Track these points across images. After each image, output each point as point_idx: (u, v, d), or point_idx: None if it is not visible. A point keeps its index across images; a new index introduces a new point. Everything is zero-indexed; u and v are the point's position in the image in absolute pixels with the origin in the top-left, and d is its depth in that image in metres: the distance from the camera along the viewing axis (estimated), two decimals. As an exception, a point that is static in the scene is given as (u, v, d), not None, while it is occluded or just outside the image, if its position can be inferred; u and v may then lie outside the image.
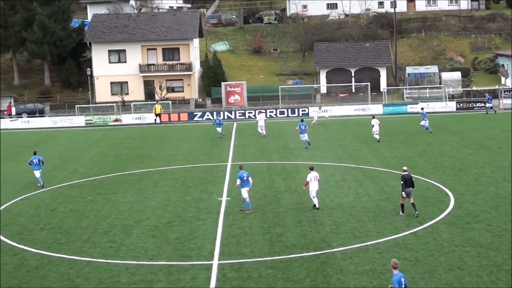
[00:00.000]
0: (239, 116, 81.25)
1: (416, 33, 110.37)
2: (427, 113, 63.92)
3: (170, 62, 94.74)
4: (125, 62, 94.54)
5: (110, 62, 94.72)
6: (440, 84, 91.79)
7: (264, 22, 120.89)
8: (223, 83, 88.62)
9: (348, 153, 51.53)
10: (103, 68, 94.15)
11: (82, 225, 33.18)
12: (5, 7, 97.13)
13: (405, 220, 31.59)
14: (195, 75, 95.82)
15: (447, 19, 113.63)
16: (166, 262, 27.07)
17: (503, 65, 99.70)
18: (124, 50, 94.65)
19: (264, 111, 77.39)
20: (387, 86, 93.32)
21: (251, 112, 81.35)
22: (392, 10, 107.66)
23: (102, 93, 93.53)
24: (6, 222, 34.15)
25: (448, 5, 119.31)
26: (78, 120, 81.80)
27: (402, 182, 32.39)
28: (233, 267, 26.18)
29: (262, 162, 49.19)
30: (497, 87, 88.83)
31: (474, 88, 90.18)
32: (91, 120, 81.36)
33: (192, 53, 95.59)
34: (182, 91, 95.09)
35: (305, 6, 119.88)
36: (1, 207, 37.56)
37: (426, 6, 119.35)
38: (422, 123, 61.81)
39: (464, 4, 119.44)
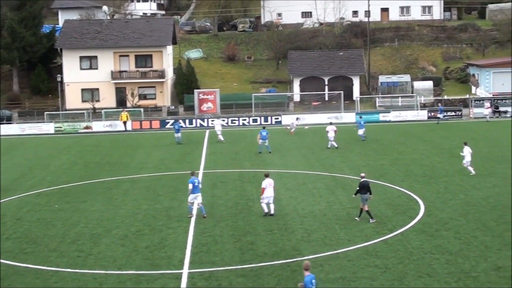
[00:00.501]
0: (212, 123, 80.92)
1: (389, 42, 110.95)
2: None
3: (143, 69, 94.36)
4: (97, 68, 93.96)
5: (81, 69, 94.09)
6: (412, 93, 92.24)
7: (239, 29, 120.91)
8: (196, 91, 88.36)
9: (320, 161, 51.55)
10: (74, 74, 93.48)
11: (49, 234, 32.76)
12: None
13: (376, 228, 31.62)
14: (168, 82, 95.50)
15: (420, 28, 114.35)
16: (136, 272, 26.81)
17: (473, 75, 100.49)
18: (96, 57, 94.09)
19: (222, 117, 76.92)
20: (360, 95, 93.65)
21: (224, 120, 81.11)
22: (366, 19, 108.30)
23: (73, 100, 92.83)
24: (-27, 231, 33.69)
25: (421, 15, 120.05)
26: (47, 127, 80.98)
27: (357, 188, 33.08)
28: (203, 276, 26.00)
29: (234, 170, 49.06)
30: (467, 96, 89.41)
31: (446, 97, 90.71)
32: (61, 127, 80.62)
33: (165, 60, 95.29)
34: (155, 98, 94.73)
35: (279, 14, 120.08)
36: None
37: (400, 15, 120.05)
38: (360, 132, 62.89)
39: (437, 14, 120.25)
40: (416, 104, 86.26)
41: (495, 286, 24.06)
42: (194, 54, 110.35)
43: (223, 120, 75.40)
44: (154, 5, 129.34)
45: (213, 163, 53.06)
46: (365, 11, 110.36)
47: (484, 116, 77.41)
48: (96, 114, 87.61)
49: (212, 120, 72.31)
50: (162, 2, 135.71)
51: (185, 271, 26.57)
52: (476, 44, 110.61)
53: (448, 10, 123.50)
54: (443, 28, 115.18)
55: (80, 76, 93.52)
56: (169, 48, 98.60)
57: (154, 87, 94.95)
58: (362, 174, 33.96)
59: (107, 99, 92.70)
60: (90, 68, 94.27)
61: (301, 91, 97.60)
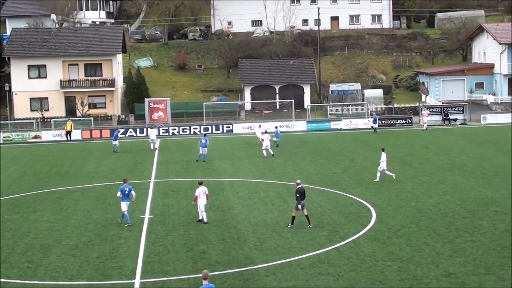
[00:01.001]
0: (163, 133, 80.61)
1: (339, 50, 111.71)
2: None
3: (92, 78, 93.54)
4: (46, 77, 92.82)
5: (29, 78, 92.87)
6: (362, 101, 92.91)
7: (189, 38, 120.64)
8: (146, 100, 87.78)
9: (272, 170, 51.59)
10: (22, 83, 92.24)
11: (-1, 244, 32.28)
12: None
13: (328, 236, 31.72)
14: (118, 91, 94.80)
15: (370, 37, 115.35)
16: (87, 282, 26.52)
17: (423, 83, 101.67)
18: (45, 65, 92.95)
19: (155, 126, 76.47)
20: (311, 103, 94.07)
21: (175, 129, 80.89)
22: (316, 28, 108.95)
23: (21, 109, 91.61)
24: None
25: (371, 23, 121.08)
26: (-5, 137, 79.79)
27: (297, 195, 33.23)
28: (156, 286, 25.82)
29: (186, 179, 48.87)
30: (417, 104, 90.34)
31: (396, 105, 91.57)
32: (9, 136, 79.32)
33: (115, 69, 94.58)
34: (105, 107, 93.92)
35: (230, 23, 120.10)
36: None
37: (349, 24, 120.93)
38: (274, 139, 63.57)
39: (386, 23, 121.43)
40: (367, 112, 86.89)
41: (446, 292, 24.31)
42: (144, 62, 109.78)
43: (157, 128, 74.35)
44: (103, 14, 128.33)
45: (165, 172, 52.79)
46: (315, 19, 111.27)
47: (422, 124, 77.36)
48: (45, 123, 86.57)
49: (152, 128, 71.76)
50: (111, 10, 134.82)
51: (137, 281, 26.34)
52: (425, 52, 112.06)
53: (397, 18, 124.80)
54: (392, 36, 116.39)
55: (29, 85, 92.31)
56: (119, 57, 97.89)
57: (104, 96, 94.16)
58: (298, 181, 34.44)
59: (56, 108, 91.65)
60: (39, 77, 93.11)
61: (252, 99, 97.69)
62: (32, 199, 43.53)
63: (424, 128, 76.00)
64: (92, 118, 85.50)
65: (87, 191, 45.35)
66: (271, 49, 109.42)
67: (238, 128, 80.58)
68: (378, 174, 45.95)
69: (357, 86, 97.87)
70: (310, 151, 61.70)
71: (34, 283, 26.53)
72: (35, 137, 79.54)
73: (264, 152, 58.36)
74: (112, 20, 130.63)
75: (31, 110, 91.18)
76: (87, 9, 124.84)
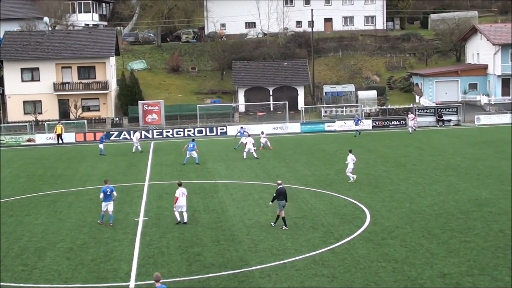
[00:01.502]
0: (157, 135, 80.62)
1: (333, 52, 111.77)
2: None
3: (86, 81, 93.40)
4: (39, 80, 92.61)
5: (23, 81, 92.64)
6: (356, 102, 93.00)
7: (182, 40, 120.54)
8: (140, 102, 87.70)
9: (266, 171, 51.60)
10: (15, 86, 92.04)
11: (-7, 248, 32.22)
12: None
13: (323, 237, 31.74)
14: (111, 94, 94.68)
15: (363, 38, 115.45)
16: (81, 285, 26.49)
17: (417, 84, 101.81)
18: (38, 68, 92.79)
19: (139, 130, 76.11)
20: (305, 105, 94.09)
21: (169, 131, 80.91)
22: (309, 30, 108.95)
23: (15, 112, 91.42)
24: None
25: (364, 25, 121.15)
26: (-11, 140, 79.61)
27: (274, 194, 33.87)
28: (150, 288, 25.82)
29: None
30: (411, 105, 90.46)
31: (390, 107, 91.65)
32: (3, 140, 79.09)
33: (109, 72, 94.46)
34: (98, 110, 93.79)
35: (223, 25, 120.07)
36: None
37: (343, 25, 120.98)
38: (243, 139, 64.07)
39: (380, 24, 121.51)
40: (361, 114, 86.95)
41: (441, 292, 24.35)
42: (137, 65, 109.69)
43: (140, 132, 73.84)
44: (96, 16, 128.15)
45: (159, 174, 52.76)
46: (309, 21, 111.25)
47: (410, 127, 75.81)
48: (38, 126, 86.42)
49: (135, 132, 71.46)
50: (104, 13, 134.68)
51: (131, 284, 26.32)
52: (419, 53, 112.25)
53: (391, 20, 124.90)
54: (386, 38, 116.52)
55: (22, 88, 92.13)
56: (112, 59, 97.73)
57: (97, 98, 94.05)
58: (279, 181, 34.89)
59: (50, 111, 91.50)
60: (32, 80, 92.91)
61: (246, 101, 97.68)
62: (26, 202, 43.44)
63: (410, 131, 74.77)
64: (85, 121, 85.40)
65: (82, 194, 45.28)
66: (264, 51, 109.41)
67: (232, 130, 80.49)
68: (350, 175, 46.26)
69: (351, 87, 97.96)
70: (304, 153, 61.72)
71: (29, 286, 26.50)
72: (29, 140, 79.38)
73: (245, 154, 58.69)
74: (105, 23, 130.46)
75: (25, 113, 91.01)
76: (80, 12, 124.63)
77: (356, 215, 36.15)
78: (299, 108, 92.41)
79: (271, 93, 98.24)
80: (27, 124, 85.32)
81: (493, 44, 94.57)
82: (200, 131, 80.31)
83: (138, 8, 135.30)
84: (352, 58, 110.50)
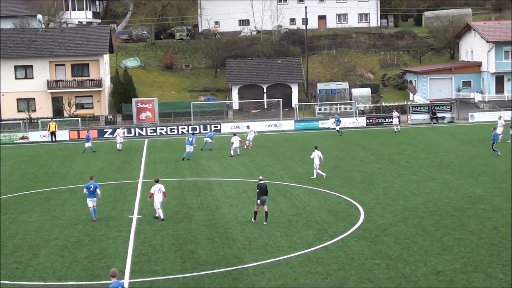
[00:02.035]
0: (151, 132, 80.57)
1: (327, 49, 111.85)
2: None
3: (79, 78, 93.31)
4: (32, 78, 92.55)
5: (16, 78, 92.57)
6: (350, 100, 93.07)
7: (176, 38, 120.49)
8: (134, 100, 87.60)
9: (260, 169, 51.56)
10: (9, 84, 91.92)
11: (-14, 246, 32.15)
12: None
13: (317, 235, 31.74)
14: (105, 92, 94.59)
15: (357, 36, 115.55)
16: (76, 282, 26.45)
17: (411, 82, 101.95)
18: (31, 66, 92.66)
19: (122, 126, 75.20)
20: (299, 102, 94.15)
21: (163, 129, 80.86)
22: (303, 27, 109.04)
23: (8, 110, 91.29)
24: None
25: (358, 22, 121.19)
26: (-17, 138, 79.38)
27: (257, 190, 34.15)
28: (144, 286, 25.78)
29: (174, 179, 48.80)
30: (405, 102, 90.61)
31: (384, 104, 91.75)
32: (-3, 137, 79.18)
33: (102, 69, 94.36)
34: (92, 107, 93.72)
35: (217, 22, 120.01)
36: None
37: (337, 23, 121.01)
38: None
39: (374, 22, 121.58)
40: (355, 111, 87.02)
41: (435, 290, 24.38)
42: (131, 62, 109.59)
43: (123, 129, 73.09)
44: (89, 14, 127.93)
45: (153, 172, 52.68)
46: (303, 18, 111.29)
47: (395, 125, 73.96)
48: (32, 124, 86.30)
49: (121, 128, 70.79)
50: (97, 10, 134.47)
51: (126, 281, 26.24)
52: (413, 51, 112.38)
53: (384, 17, 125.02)
54: (380, 35, 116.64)
55: (16, 85, 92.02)
56: (106, 57, 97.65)
57: (91, 96, 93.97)
58: (260, 177, 35.33)
59: (44, 109, 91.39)
60: (26, 77, 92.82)
61: (239, 99, 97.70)
62: (20, 200, 43.37)
63: (396, 130, 73.14)
64: (79, 119, 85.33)
65: (75, 192, 45.17)
66: (258, 49, 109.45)
67: (226, 127, 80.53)
68: (319, 171, 46.60)
69: (344, 85, 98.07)
70: (298, 150, 61.73)
71: (23, 284, 26.45)
72: (23, 137, 79.22)
73: (232, 151, 58.87)
74: (99, 20, 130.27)
75: (18, 111, 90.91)
76: (74, 9, 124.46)
77: (350, 213, 36.17)
78: (293, 106, 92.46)
79: (265, 91, 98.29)
80: (20, 121, 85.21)
81: (487, 42, 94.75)
82: (194, 129, 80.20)
83: (132, 5, 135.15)
84: (346, 56, 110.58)
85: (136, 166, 55.97)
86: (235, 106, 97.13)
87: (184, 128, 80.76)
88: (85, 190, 36.53)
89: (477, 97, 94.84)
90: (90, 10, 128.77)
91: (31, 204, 41.84)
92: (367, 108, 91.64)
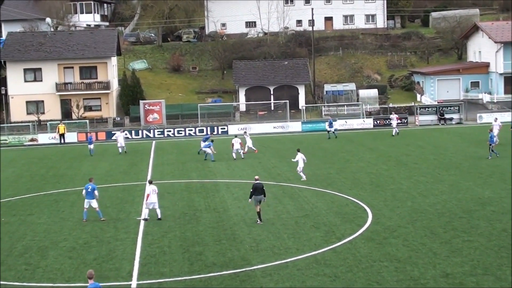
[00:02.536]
0: (158, 134, 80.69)
1: (333, 51, 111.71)
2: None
3: (88, 81, 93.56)
4: (41, 80, 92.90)
5: (25, 81, 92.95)
6: (357, 101, 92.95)
7: (183, 40, 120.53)
8: (141, 102, 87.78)
9: (267, 171, 51.58)
10: (18, 87, 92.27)
11: (-5, 248, 32.26)
12: None
13: (324, 237, 31.70)
14: (113, 94, 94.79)
15: (364, 37, 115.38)
16: (84, 284, 26.36)
17: (418, 83, 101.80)
18: (40, 69, 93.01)
19: (123, 130, 74.74)
20: (306, 104, 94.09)
21: (170, 131, 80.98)
22: (310, 29, 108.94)
23: (18, 112, 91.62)
24: None
25: (365, 23, 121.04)
26: (-8, 140, 79.68)
27: (251, 190, 34.81)
28: (152, 287, 25.77)
29: (181, 181, 48.87)
30: (412, 104, 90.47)
31: (391, 105, 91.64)
32: (6, 140, 79.33)
33: (110, 72, 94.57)
34: (100, 109, 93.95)
35: (224, 25, 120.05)
36: None
37: (343, 24, 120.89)
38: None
39: (380, 23, 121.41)
40: (362, 113, 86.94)
41: (443, 291, 24.32)
42: (138, 65, 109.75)
43: (124, 132, 72.55)
44: (97, 17, 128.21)
45: (160, 173, 52.77)
46: (309, 20, 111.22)
47: (393, 128, 72.76)
48: (41, 126, 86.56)
49: (121, 131, 70.23)
50: (105, 13, 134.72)
51: (133, 283, 26.32)
52: (420, 52, 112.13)
53: (391, 18, 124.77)
54: (387, 36, 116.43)
55: (25, 88, 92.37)
56: (114, 60, 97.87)
57: (99, 98, 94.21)
58: (256, 177, 35.82)
59: (52, 111, 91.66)
60: (35, 80, 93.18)
61: (246, 100, 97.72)
62: (29, 201, 43.51)
63: (394, 133, 71.93)
64: (87, 121, 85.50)
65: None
66: (265, 50, 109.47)
67: (233, 129, 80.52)
68: (301, 174, 46.75)
69: (351, 86, 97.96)
70: (305, 152, 61.51)
71: (32, 285, 26.52)
72: (32, 140, 79.54)
73: (234, 154, 58.42)
74: (107, 23, 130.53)
75: (27, 113, 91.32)
76: (82, 13, 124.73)
77: (358, 214, 36.11)
78: (300, 107, 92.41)
79: (272, 92, 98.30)
80: (29, 124, 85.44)
81: (495, 42, 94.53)
82: (201, 131, 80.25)
83: (139, 8, 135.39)
84: (353, 57, 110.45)
85: (144, 168, 56.04)
86: (242, 107, 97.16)
87: (191, 130, 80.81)
88: (84, 192, 37.28)
89: (486, 98, 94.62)
90: (98, 13, 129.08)
91: (40, 205, 41.96)
92: (374, 109, 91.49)
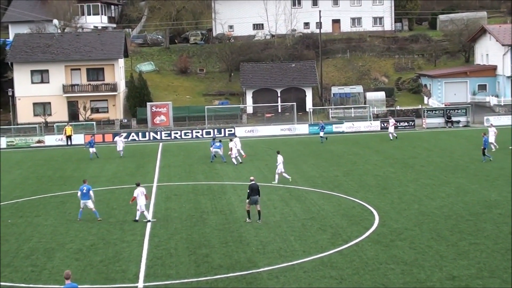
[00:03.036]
0: (165, 136, 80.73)
1: (341, 53, 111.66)
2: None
3: (95, 83, 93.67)
4: (48, 82, 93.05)
5: (32, 83, 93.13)
6: (365, 103, 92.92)
7: (190, 42, 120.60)
8: (148, 104, 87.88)
9: (273, 173, 51.37)
10: (25, 88, 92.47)
11: (2, 249, 32.22)
12: None
13: (331, 239, 31.69)
14: (120, 96, 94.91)
15: (372, 39, 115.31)
16: (90, 286, 26.51)
17: (425, 85, 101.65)
18: (47, 70, 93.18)
19: (123, 134, 73.76)
20: (313, 106, 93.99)
21: (177, 133, 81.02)
22: (317, 31, 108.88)
23: (24, 114, 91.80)
24: None
25: (372, 26, 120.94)
26: (-1, 142, 79.84)
27: (248, 191, 35.24)
28: (158, 290, 25.85)
29: (188, 183, 48.89)
30: (420, 106, 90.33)
31: (398, 108, 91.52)
32: (13, 141, 79.52)
33: (117, 73, 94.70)
34: (107, 111, 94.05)
35: (231, 27, 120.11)
36: None
37: (351, 27, 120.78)
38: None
39: (388, 25, 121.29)
40: (369, 115, 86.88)
41: (450, 294, 24.28)
42: (146, 67, 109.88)
43: (123, 137, 72.00)
44: (105, 18, 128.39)
45: (167, 176, 52.81)
46: (317, 22, 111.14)
47: (390, 133, 71.74)
48: (48, 128, 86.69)
49: (119, 136, 69.74)
50: (113, 15, 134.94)
51: (140, 285, 26.35)
52: (428, 54, 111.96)
53: (399, 21, 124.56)
54: (394, 39, 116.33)
55: (32, 90, 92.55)
56: (121, 61, 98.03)
57: (106, 100, 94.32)
58: (251, 178, 36.44)
59: (59, 113, 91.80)
60: (42, 82, 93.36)
61: (253, 103, 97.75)
62: (35, 203, 43.59)
63: (391, 138, 70.91)
64: (94, 123, 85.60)
65: (90, 196, 45.31)
66: (272, 53, 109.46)
67: (240, 131, 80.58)
68: (277, 176, 47.05)
69: (359, 88, 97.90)
70: (312, 154, 61.67)
71: (38, 287, 26.56)
72: (38, 141, 79.66)
73: (234, 160, 56.81)
74: (114, 25, 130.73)
75: (34, 115, 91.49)
76: (89, 14, 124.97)
77: (365, 217, 36.08)
78: (307, 110, 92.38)
79: (279, 95, 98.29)
80: (36, 125, 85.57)
81: (503, 45, 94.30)
82: (208, 133, 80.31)
83: (147, 10, 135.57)
84: (360, 59, 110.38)
85: (151, 170, 56.08)
86: (249, 110, 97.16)
87: (199, 132, 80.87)
88: (79, 193, 37.97)
89: (493, 100, 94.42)
90: (105, 15, 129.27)
91: (46, 207, 42.02)
92: (381, 112, 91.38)
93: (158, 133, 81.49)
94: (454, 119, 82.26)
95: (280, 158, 47.09)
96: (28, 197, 45.66)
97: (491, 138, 57.75)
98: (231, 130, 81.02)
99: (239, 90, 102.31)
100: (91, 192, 37.83)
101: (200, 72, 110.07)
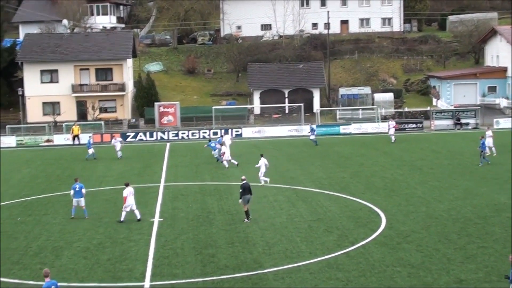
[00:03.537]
0: (172, 136, 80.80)
1: (349, 54, 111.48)
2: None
3: (103, 82, 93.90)
4: (58, 82, 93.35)
5: (42, 82, 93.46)
6: (372, 105, 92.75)
7: (198, 42, 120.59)
8: (156, 104, 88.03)
9: (280, 174, 51.52)
10: (35, 88, 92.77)
11: (11, 247, 32.45)
12: None
13: (337, 241, 31.69)
14: (128, 96, 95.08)
15: (380, 40, 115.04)
16: (97, 284, 26.67)
17: (434, 87, 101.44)
18: (57, 70, 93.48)
19: (116, 136, 72.49)
20: (320, 107, 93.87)
21: (184, 133, 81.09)
22: (325, 32, 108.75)
23: (34, 113, 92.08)
24: None
25: (381, 27, 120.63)
26: (9, 141, 79.86)
27: (240, 190, 35.74)
28: (165, 289, 25.91)
29: (195, 183, 48.94)
30: (428, 108, 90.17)
31: (406, 109, 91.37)
32: (22, 140, 79.85)
33: (126, 73, 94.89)
34: (115, 111, 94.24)
35: (239, 27, 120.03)
36: None
37: (359, 28, 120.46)
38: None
39: (397, 26, 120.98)
40: (377, 117, 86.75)
41: (456, 297, 24.24)
42: (154, 67, 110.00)
43: (120, 139, 71.43)
44: (114, 19, 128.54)
45: (174, 176, 52.88)
46: (325, 23, 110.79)
47: (390, 136, 70.72)
48: (57, 127, 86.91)
49: (115, 138, 69.33)
50: (121, 15, 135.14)
51: (146, 284, 26.46)
52: (437, 55, 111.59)
53: (408, 22, 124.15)
54: (403, 40, 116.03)
55: (41, 89, 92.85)
56: (129, 61, 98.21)
57: (114, 100, 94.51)
58: (243, 177, 36.79)
59: (68, 112, 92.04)
60: (51, 81, 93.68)
61: (261, 103, 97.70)
62: (44, 202, 43.75)
63: (392, 141, 69.77)
64: (102, 122, 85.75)
65: (98, 195, 45.47)
66: (280, 53, 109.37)
67: (247, 132, 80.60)
68: (263, 178, 46.87)
69: (367, 90, 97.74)
70: (319, 156, 61.63)
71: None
72: (47, 140, 79.93)
73: (226, 163, 55.95)
74: (123, 25, 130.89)
75: (44, 114, 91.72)
76: (98, 14, 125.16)
77: (371, 219, 36.05)
78: (315, 111, 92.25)
79: (286, 95, 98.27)
80: (46, 125, 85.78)
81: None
82: (215, 133, 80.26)
83: (155, 10, 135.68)
84: (369, 61, 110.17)
85: (158, 170, 56.14)
86: (257, 110, 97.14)
87: (206, 133, 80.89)
88: (71, 192, 38.35)
89: (503, 102, 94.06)
90: (114, 15, 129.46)
91: (55, 206, 42.19)
92: (389, 113, 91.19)
93: (166, 133, 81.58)
94: (463, 121, 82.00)
95: (261, 161, 46.75)
96: (37, 196, 45.85)
97: (490, 142, 57.43)
98: (238, 131, 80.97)
99: (246, 90, 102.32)
100: (83, 190, 38.31)
101: (208, 73, 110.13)
